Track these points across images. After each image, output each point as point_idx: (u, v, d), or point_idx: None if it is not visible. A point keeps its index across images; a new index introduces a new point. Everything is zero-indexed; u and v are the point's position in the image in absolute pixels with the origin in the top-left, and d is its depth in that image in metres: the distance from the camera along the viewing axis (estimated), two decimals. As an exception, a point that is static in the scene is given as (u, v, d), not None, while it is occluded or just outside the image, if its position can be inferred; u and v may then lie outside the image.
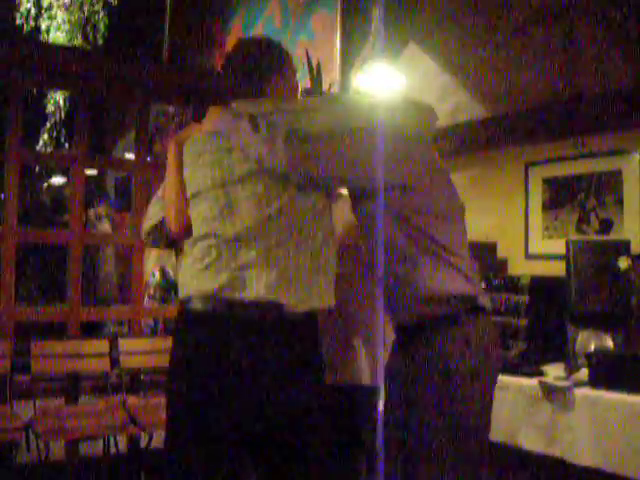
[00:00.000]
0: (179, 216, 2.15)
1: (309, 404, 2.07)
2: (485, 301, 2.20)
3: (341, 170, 2.07)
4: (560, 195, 4.27)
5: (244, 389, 1.99)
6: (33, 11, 8.28)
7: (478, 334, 2.16)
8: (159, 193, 2.31)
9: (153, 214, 2.30)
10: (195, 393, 2.02)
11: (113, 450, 4.20)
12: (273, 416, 2.02)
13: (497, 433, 3.20)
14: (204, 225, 2.08)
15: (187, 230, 2.13)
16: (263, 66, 2.18)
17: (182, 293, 2.10)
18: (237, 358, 1.98)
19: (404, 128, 2.19)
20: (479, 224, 4.66)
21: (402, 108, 2.30)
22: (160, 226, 2.25)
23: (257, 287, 1.99)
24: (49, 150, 8.81)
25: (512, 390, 3.19)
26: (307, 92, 3.91)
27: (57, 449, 4.02)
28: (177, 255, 2.24)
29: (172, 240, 2.24)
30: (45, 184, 10.71)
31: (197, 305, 2.04)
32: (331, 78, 5.28)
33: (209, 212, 2.07)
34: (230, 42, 7.21)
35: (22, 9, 8.29)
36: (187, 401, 2.05)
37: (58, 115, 8.89)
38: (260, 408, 2.00)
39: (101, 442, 4.14)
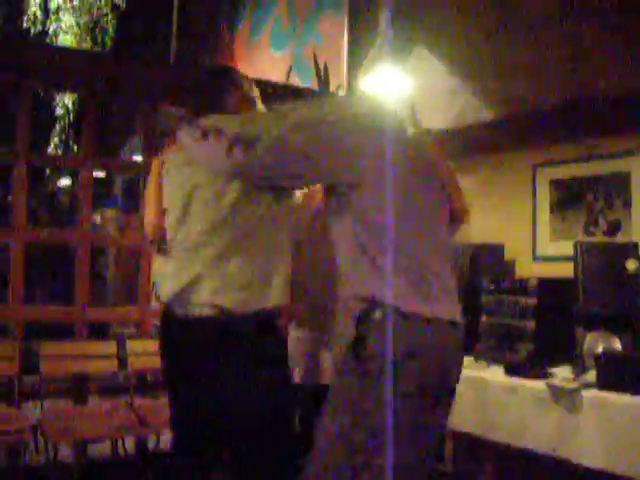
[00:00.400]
0: (153, 229, 2.41)
1: (266, 401, 2.20)
2: (424, 310, 2.09)
3: (285, 169, 2.13)
4: (568, 197, 4.26)
5: (200, 390, 2.23)
6: (40, 15, 8.31)
7: (371, 340, 2.09)
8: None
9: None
10: (169, 387, 2.39)
11: (121, 451, 4.20)
12: (230, 413, 2.20)
13: (505, 435, 3.20)
14: (169, 234, 2.33)
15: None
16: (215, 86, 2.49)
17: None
18: (190, 361, 2.24)
19: (353, 122, 2.17)
20: (487, 226, 4.67)
21: (354, 103, 2.36)
22: None
23: (204, 292, 2.17)
24: (59, 153, 8.84)
25: (520, 392, 3.18)
26: (315, 93, 3.92)
27: (65, 450, 4.03)
28: None
29: None
30: (60, 184, 10.77)
31: (163, 308, 2.31)
32: (338, 80, 5.29)
33: (172, 221, 2.32)
34: (238, 44, 7.23)
35: (29, 13, 8.33)
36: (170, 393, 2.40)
37: (67, 118, 8.93)
38: (217, 405, 2.20)
39: (109, 443, 4.15)
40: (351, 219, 2.14)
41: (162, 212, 2.40)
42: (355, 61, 5.44)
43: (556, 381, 3.10)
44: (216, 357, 2.17)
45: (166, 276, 2.29)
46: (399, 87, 4.72)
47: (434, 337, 2.11)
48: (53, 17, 8.28)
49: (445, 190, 2.32)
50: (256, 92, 2.54)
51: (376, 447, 2.03)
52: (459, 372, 2.27)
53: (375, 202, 2.12)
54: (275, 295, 2.21)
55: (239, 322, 2.15)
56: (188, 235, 2.24)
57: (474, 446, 3.79)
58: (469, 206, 2.40)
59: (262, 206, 2.20)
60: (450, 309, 2.18)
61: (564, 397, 2.99)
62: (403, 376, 2.05)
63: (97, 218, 7.85)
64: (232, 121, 2.23)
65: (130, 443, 4.27)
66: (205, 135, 2.17)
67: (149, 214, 2.47)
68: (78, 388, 4.37)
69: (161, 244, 2.36)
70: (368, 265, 2.11)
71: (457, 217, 2.42)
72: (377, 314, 2.09)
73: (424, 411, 2.11)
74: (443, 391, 2.17)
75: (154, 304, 5.21)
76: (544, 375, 3.23)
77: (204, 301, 2.17)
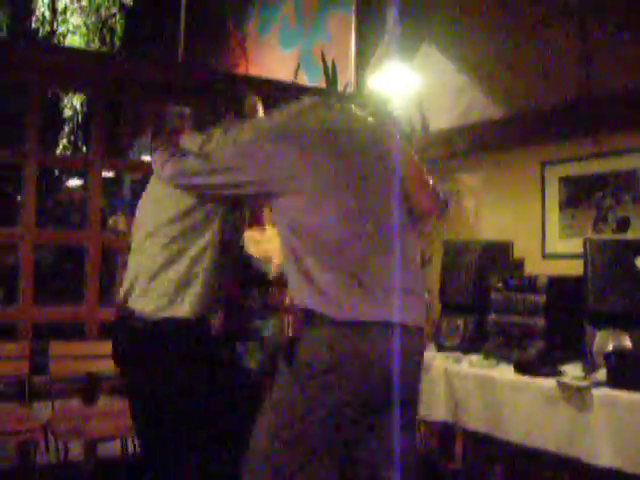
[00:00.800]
0: None
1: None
2: (360, 315, 2.04)
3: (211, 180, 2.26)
4: (577, 194, 4.24)
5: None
6: (48, 15, 8.33)
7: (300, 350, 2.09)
8: None
9: None
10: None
11: (131, 450, 4.21)
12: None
13: (514, 434, 3.19)
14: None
15: None
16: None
17: None
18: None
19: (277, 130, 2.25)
20: (495, 224, 4.66)
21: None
22: None
23: (131, 298, 2.43)
24: (68, 153, 8.87)
25: (530, 390, 3.17)
26: (323, 92, 3.92)
27: (75, 449, 4.04)
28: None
29: None
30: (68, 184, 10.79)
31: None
32: (346, 78, 5.29)
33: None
34: (239, 43, 7.23)
35: (38, 13, 8.35)
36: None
37: (76, 119, 8.95)
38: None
39: (119, 443, 4.16)
40: (285, 226, 2.14)
41: None
42: (363, 59, 5.43)
43: (566, 379, 3.09)
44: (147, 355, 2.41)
45: None
46: (407, 85, 4.71)
47: (370, 344, 2.01)
48: (61, 18, 8.30)
49: (405, 185, 2.24)
50: (257, 101, 2.64)
51: (291, 457, 2.02)
52: (415, 382, 2.19)
53: (302, 205, 2.10)
54: (190, 307, 2.35)
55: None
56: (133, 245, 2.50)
57: (483, 445, 3.79)
58: (442, 201, 2.34)
59: (193, 220, 2.35)
60: (406, 312, 2.08)
61: (574, 395, 2.98)
62: (325, 388, 2.00)
63: (110, 221, 7.86)
64: (195, 140, 2.44)
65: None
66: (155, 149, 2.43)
67: None
68: (88, 388, 4.38)
69: None
70: (301, 273, 2.08)
71: (421, 213, 2.32)
72: (308, 324, 2.08)
73: (351, 426, 2.05)
74: (385, 405, 2.08)
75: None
76: (554, 373, 3.22)
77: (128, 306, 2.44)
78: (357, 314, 2.03)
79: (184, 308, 2.33)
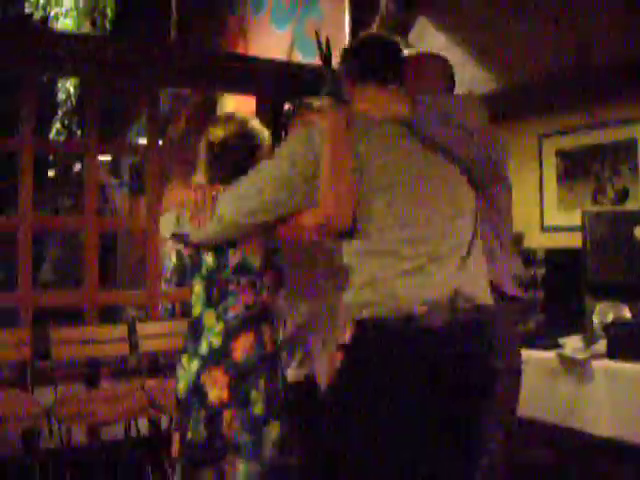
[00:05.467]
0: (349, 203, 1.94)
1: None
2: None
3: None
4: (575, 166, 4.23)
5: None
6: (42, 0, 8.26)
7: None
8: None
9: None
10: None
11: (134, 434, 4.23)
12: None
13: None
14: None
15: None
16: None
17: None
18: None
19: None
20: (494, 198, 4.64)
21: None
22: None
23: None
24: (62, 138, 8.83)
25: (530, 363, 3.17)
26: (317, 70, 3.89)
27: (79, 434, 4.05)
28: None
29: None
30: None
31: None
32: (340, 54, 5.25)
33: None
34: (237, 23, 7.18)
35: (31, -3, 8.28)
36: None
37: (70, 103, 8.89)
38: None
39: (122, 426, 4.17)
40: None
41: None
42: (357, 35, 5.39)
43: (566, 351, 3.09)
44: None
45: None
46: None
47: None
48: (53, 1, 8.23)
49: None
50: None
51: None
52: None
53: None
54: None
55: None
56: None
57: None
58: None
59: None
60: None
61: (574, 367, 2.99)
62: None
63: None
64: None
65: (143, 425, 4.29)
66: None
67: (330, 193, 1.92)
68: (90, 372, 4.40)
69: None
70: None
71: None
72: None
73: None
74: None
75: (164, 287, 5.21)
76: (554, 345, 3.22)
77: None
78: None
79: None
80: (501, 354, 1.97)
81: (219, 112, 6.83)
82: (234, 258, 2.25)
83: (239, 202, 2.04)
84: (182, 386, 2.24)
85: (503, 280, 2.21)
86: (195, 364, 2.22)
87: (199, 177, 2.33)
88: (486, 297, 1.96)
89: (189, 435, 2.21)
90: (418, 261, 1.86)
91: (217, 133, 2.32)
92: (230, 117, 2.41)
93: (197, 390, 2.20)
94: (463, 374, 1.86)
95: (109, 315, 5.77)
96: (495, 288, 2.09)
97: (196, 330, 2.26)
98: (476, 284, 1.93)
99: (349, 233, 1.92)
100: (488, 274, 2.02)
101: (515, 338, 2.39)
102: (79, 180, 10.82)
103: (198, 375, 2.20)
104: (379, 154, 1.94)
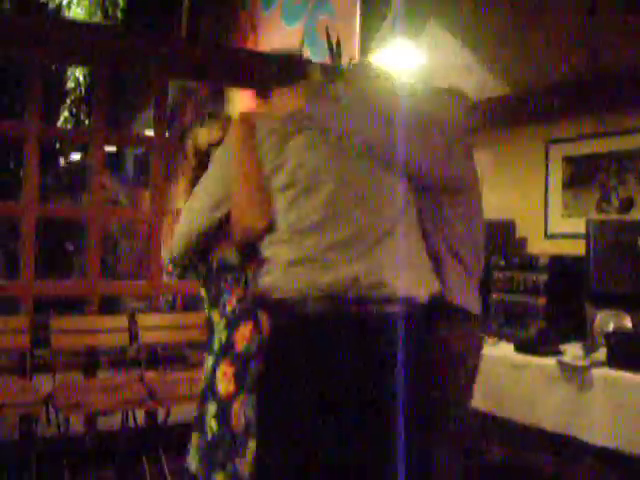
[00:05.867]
0: (261, 208, 1.99)
1: None
2: None
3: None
4: (580, 174, 4.23)
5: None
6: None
7: None
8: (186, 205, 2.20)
9: (183, 234, 2.20)
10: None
11: (131, 424, 4.23)
12: None
13: (514, 412, 3.21)
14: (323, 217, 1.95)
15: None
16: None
17: None
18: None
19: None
20: (498, 202, 4.64)
21: None
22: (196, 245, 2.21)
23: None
24: (69, 127, 8.83)
25: (530, 369, 3.18)
26: (326, 68, 3.88)
27: (76, 422, 4.06)
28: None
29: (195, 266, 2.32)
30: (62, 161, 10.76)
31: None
32: (351, 54, 5.25)
33: (324, 204, 1.95)
34: (248, 18, 7.18)
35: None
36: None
37: (78, 92, 8.89)
38: None
39: (119, 416, 4.18)
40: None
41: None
42: (368, 35, 5.39)
43: (566, 358, 3.09)
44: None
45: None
46: (412, 63, 4.68)
47: None
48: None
49: None
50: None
51: None
52: None
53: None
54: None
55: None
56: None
57: (482, 422, 3.80)
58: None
59: None
60: None
61: (574, 375, 2.98)
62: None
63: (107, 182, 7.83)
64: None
65: (140, 416, 4.30)
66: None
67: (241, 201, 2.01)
68: (89, 361, 4.40)
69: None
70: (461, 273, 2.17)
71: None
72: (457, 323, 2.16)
73: None
74: None
75: (165, 279, 5.23)
76: (554, 352, 3.22)
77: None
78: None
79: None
80: (412, 349, 1.91)
81: (226, 106, 6.84)
82: (214, 259, 2.29)
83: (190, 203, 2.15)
84: (202, 385, 2.30)
85: (453, 291, 2.11)
86: (210, 361, 2.27)
87: (179, 184, 2.34)
88: (413, 291, 1.91)
89: (209, 435, 2.23)
90: (318, 250, 1.89)
91: (202, 139, 2.35)
92: (215, 121, 2.41)
93: (211, 386, 2.24)
94: (343, 360, 1.86)
95: (110, 306, 5.78)
96: (445, 298, 2.08)
97: (210, 329, 2.32)
98: (389, 276, 1.88)
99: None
100: (434, 280, 2.03)
101: (447, 346, 2.15)
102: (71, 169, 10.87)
103: (213, 371, 2.25)
104: (278, 154, 1.97)
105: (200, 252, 2.26)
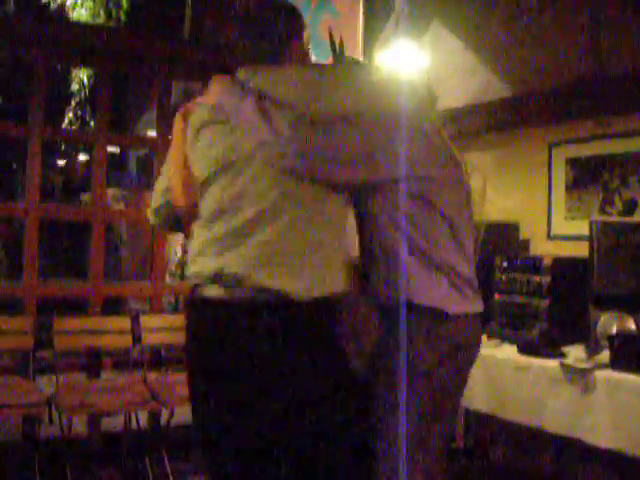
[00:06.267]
0: (185, 191, 2.12)
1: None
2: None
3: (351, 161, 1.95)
4: (584, 175, 4.22)
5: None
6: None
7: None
8: (162, 170, 2.31)
9: (157, 193, 2.29)
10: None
11: (134, 425, 4.24)
12: None
13: (517, 413, 3.21)
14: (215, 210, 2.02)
15: (194, 207, 2.09)
16: (283, 31, 2.10)
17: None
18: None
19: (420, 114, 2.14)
20: (502, 204, 4.64)
21: (418, 91, 2.28)
22: (166, 206, 2.24)
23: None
24: (74, 128, 8.85)
25: (533, 371, 3.18)
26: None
27: (79, 424, 4.07)
28: (187, 237, 2.22)
29: (178, 222, 2.24)
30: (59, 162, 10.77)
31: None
32: (354, 55, 5.25)
33: (219, 197, 2.00)
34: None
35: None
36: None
37: (82, 93, 8.92)
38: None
39: (122, 417, 4.18)
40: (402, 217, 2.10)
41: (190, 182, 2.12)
42: (371, 37, 5.38)
43: (569, 361, 3.09)
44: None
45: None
46: (415, 63, 4.67)
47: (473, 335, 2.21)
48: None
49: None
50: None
51: None
52: None
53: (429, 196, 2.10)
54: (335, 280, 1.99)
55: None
56: (238, 221, 1.97)
57: (485, 424, 3.80)
58: None
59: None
60: (476, 302, 2.21)
61: (577, 377, 2.98)
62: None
63: (109, 192, 7.85)
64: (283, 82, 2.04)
65: (143, 417, 4.30)
66: (263, 111, 1.95)
67: (177, 177, 2.15)
68: (92, 363, 4.41)
69: (195, 217, 2.11)
70: (430, 268, 2.09)
71: None
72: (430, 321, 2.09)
73: None
74: None
75: (169, 280, 5.24)
76: (557, 354, 3.22)
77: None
78: (463, 308, 2.12)
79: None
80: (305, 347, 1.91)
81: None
82: None
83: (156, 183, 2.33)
84: None
85: (412, 289, 2.06)
86: None
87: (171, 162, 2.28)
88: (286, 287, 1.88)
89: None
90: (205, 244, 2.00)
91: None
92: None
93: None
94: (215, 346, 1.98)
95: (112, 307, 5.79)
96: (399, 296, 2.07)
97: None
98: (252, 271, 1.90)
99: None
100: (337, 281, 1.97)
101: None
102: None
103: None
104: (194, 142, 2.08)
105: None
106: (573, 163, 4.27)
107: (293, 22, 2.16)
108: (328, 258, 1.96)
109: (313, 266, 1.93)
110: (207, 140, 2.04)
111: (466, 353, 2.16)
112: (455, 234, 2.11)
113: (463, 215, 2.16)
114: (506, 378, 3.28)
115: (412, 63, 4.65)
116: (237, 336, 1.93)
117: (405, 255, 2.06)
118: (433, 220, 2.08)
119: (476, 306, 2.18)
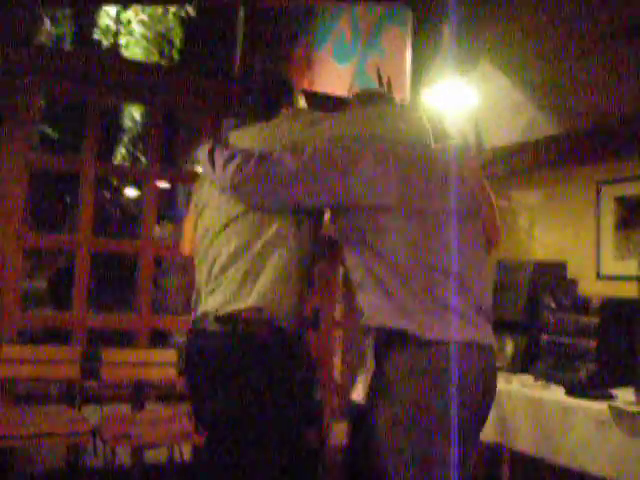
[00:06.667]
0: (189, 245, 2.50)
1: None
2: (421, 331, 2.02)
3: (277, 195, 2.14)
4: (633, 215, 4.16)
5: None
6: (113, 27, 8.48)
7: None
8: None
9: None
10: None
11: (177, 458, 4.25)
12: None
13: (563, 457, 3.14)
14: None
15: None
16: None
17: None
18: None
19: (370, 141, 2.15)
20: (550, 243, 4.60)
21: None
22: None
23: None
24: (126, 164, 9.02)
25: (580, 413, 3.12)
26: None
27: (123, 454, 4.09)
28: None
29: None
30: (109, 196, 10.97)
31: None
32: (402, 94, 5.28)
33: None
34: (303, 56, 7.28)
35: (101, 24, 8.51)
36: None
37: (135, 130, 9.09)
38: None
39: (166, 449, 4.20)
40: (361, 243, 2.11)
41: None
42: (418, 75, 5.42)
43: (618, 403, 3.02)
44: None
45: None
46: (463, 102, 4.68)
47: (455, 364, 2.03)
48: (124, 29, 8.45)
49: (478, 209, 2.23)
50: (301, 102, 2.58)
51: None
52: (492, 401, 2.21)
53: (384, 225, 2.06)
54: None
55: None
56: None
57: (531, 467, 3.72)
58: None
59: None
60: (481, 331, 2.18)
61: (626, 420, 2.91)
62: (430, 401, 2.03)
63: (157, 228, 7.97)
64: (250, 136, 2.36)
65: (186, 450, 4.31)
66: (211, 151, 2.27)
67: (187, 231, 2.55)
68: (137, 394, 4.44)
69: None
70: (384, 294, 2.07)
71: (490, 237, 2.31)
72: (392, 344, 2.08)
73: None
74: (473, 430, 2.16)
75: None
76: (605, 396, 3.16)
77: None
78: (442, 335, 2.03)
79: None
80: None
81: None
82: None
83: None
84: None
85: (371, 314, 2.10)
86: None
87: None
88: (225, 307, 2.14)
89: None
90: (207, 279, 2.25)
91: None
92: None
93: None
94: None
95: (158, 339, 5.83)
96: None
97: None
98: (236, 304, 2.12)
99: None
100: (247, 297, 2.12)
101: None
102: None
103: None
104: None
105: None
106: (621, 202, 4.22)
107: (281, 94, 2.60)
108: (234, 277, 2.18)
109: (231, 287, 2.16)
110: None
111: (438, 377, 2.05)
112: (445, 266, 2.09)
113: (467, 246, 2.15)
114: (553, 420, 3.22)
115: (460, 101, 4.66)
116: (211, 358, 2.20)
117: (366, 280, 2.11)
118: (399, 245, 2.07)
119: (466, 334, 2.09)
